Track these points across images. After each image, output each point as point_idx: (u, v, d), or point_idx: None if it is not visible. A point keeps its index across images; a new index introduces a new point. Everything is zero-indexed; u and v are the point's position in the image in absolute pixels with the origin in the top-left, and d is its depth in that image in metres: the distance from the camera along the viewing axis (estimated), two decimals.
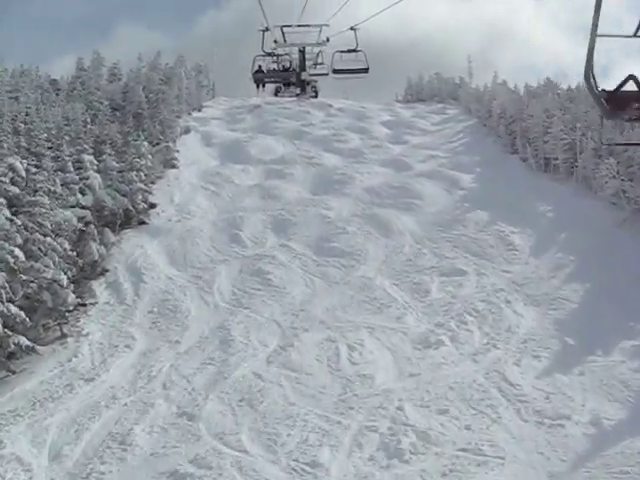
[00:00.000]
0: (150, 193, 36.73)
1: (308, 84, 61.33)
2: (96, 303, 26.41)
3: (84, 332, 24.78)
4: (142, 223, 34.38)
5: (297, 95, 60.67)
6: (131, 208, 34.03)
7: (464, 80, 60.75)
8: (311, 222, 34.46)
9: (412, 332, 23.14)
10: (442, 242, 31.72)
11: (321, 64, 58.83)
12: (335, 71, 57.74)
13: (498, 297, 26.33)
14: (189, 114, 52.36)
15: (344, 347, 22.06)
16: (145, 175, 37.60)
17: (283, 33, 59.89)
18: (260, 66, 55.36)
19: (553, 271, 28.56)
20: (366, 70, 56.70)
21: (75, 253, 28.23)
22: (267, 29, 59.33)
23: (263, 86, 56.96)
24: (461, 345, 22.21)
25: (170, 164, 41.77)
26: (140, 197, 35.09)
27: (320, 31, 60.48)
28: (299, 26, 60.26)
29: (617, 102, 6.34)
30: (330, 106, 54.94)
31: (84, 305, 25.90)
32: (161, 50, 60.38)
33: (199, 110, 53.93)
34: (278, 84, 65.99)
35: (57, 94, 51.41)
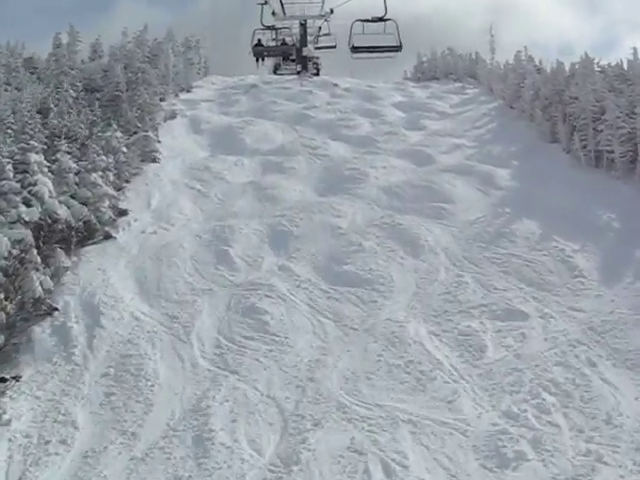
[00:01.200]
0: (119, 199, 28.45)
1: (309, 60, 53.12)
2: (19, 378, 18.17)
3: (4, 417, 16.70)
4: (108, 237, 26.15)
5: (298, 73, 52.45)
6: (94, 219, 25.81)
7: (480, 56, 52.05)
8: (318, 234, 26.23)
9: (473, 431, 14.95)
10: (487, 265, 23.53)
11: (327, 35, 50.55)
12: (355, 49, 49.61)
13: (577, 356, 18.19)
14: (176, 96, 43.81)
15: (377, 467, 13.94)
16: (115, 175, 29.40)
17: (282, 4, 51.15)
18: (260, 40, 46.98)
19: (636, 309, 20.50)
20: (398, 48, 48.64)
21: (12, 287, 20.35)
22: (266, 2, 50.76)
23: (262, 60, 48.65)
24: (550, 457, 14.09)
25: (150, 157, 33.45)
26: (106, 204, 26.83)
27: (323, 1, 52.03)
28: None
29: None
30: (335, 85, 46.36)
31: (3, 380, 17.68)
32: (158, 25, 52.13)
33: (188, 91, 45.36)
34: (277, 61, 58.21)
35: (32, 73, 43.10)
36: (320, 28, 56.41)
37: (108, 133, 31.31)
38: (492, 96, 44.61)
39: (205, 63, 52.65)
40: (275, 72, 59.63)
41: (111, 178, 27.97)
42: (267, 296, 22.06)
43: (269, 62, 59.21)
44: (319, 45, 49.35)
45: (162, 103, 41.36)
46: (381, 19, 45.90)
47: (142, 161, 33.19)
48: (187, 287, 23.21)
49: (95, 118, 30.31)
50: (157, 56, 46.63)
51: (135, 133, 34.49)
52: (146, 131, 34.13)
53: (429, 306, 21.26)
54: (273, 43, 52.59)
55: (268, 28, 52.30)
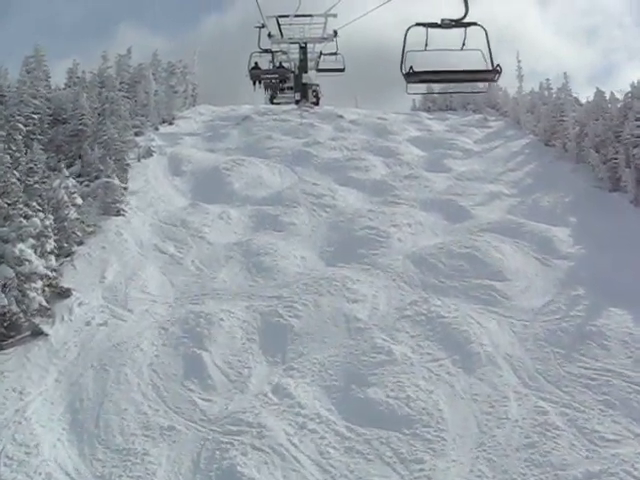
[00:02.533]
0: (59, 276, 20.11)
1: (309, 88, 45.01)
2: None
3: None
4: (37, 334, 17.84)
5: (297, 102, 44.25)
6: (16, 309, 17.51)
7: (495, 85, 43.92)
8: (327, 329, 17.97)
9: None
10: (577, 389, 15.21)
11: (334, 54, 42.34)
12: (416, 75, 41.66)
13: None
14: (156, 129, 35.55)
15: None
16: (59, 239, 21.13)
17: (279, 26, 43.07)
18: (257, 63, 39.26)
19: None
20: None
21: None
22: (264, 25, 42.90)
23: (259, 83, 40.42)
24: None
25: (113, 210, 25.17)
26: (38, 285, 18.52)
27: (325, 23, 43.94)
28: (298, 16, 43.68)
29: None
30: (340, 117, 38.24)
31: None
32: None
33: (170, 123, 37.11)
34: (273, 90, 50.13)
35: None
36: (321, 53, 48.37)
37: (57, 181, 23.08)
38: (520, 130, 36.50)
39: (193, 91, 44.48)
40: (271, 101, 51.57)
41: (48, 246, 19.63)
42: (255, 448, 13.72)
43: (264, 92, 51.25)
44: (324, 67, 41.04)
45: (138, 138, 33.12)
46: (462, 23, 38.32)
47: (103, 214, 24.96)
48: (139, 422, 14.87)
49: (33, 165, 22.04)
50: (139, 83, 38.55)
51: (97, 178, 26.25)
52: (109, 176, 25.82)
53: (505, 472, 12.96)
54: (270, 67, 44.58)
55: (265, 51, 44.27)
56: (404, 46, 11.06)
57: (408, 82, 11.22)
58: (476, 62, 11.07)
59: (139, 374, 16.54)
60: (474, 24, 11.34)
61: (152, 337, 17.96)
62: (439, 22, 11.15)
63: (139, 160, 30.82)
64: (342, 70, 39.45)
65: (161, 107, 37.09)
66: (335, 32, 41.33)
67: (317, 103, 46.59)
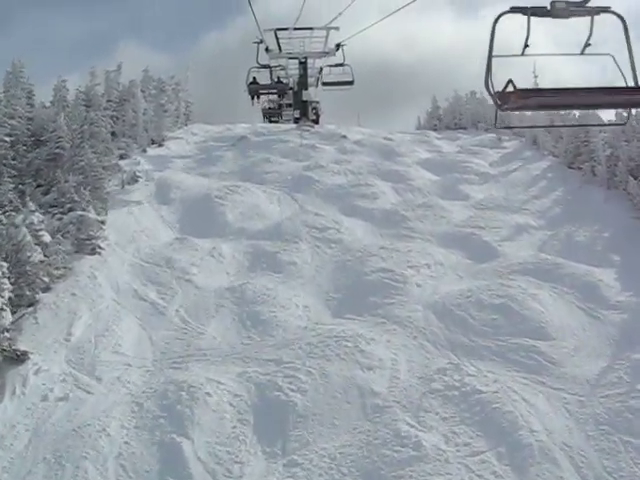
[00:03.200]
0: (12, 337, 16.30)
1: (309, 105, 41.52)
2: None
3: None
4: None
5: (296, 120, 40.78)
6: None
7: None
8: (338, 407, 14.20)
9: None
10: None
11: (341, 65, 38.97)
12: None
13: None
14: (143, 151, 31.84)
15: None
16: (17, 287, 17.37)
17: (277, 39, 39.48)
18: (255, 78, 37.09)
19: None
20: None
21: None
22: (262, 41, 39.45)
23: (258, 98, 38.89)
24: None
25: (87, 248, 21.44)
26: None
27: (327, 36, 40.35)
28: (297, 29, 40.12)
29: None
30: (344, 137, 34.56)
31: None
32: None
33: (160, 144, 33.41)
34: (272, 105, 46.67)
35: None
36: (322, 68, 44.85)
37: (19, 217, 19.39)
38: (538, 151, 32.82)
39: (187, 109, 40.84)
40: (269, 119, 48.10)
41: (0, 300, 15.87)
42: None
43: (263, 120, 47.83)
44: (330, 81, 37.52)
45: (123, 162, 29.43)
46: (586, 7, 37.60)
47: (76, 252, 21.23)
48: None
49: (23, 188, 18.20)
50: (127, 101, 34.89)
51: (71, 210, 22.53)
52: (84, 208, 22.09)
53: None
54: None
55: (264, 67, 40.92)
56: (491, 48, 6.81)
57: (503, 108, 6.89)
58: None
59: (103, 470, 12.78)
60: (605, 10, 6.97)
61: (122, 416, 14.19)
62: (548, 7, 7.02)
63: (123, 187, 27.10)
64: (351, 83, 36.62)
65: (150, 127, 33.38)
66: (337, 46, 37.86)
67: (317, 121, 43.07)
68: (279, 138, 34.25)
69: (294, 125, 38.79)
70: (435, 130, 41.55)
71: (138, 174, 28.15)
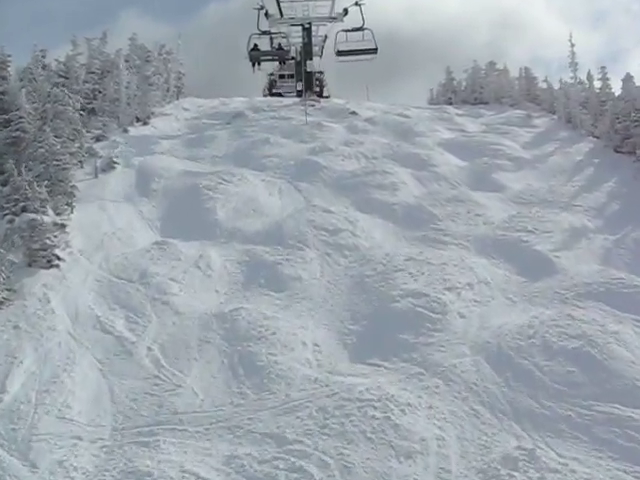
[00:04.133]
0: None
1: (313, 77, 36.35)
2: None
3: None
4: None
5: (299, 93, 35.71)
6: None
7: (530, 72, 34.82)
8: None
9: None
10: None
11: (360, 30, 33.75)
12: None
13: None
14: (124, 131, 26.74)
15: None
16: None
17: (278, 2, 34.16)
18: (256, 45, 32.98)
19: None
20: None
21: None
22: (262, 7, 34.16)
23: (259, 64, 34.68)
24: None
25: (42, 261, 16.55)
26: None
27: (333, 1, 34.60)
28: None
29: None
30: (354, 114, 29.44)
31: None
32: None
33: (145, 122, 28.23)
34: (272, 77, 41.55)
35: None
36: (326, 37, 39.39)
37: None
38: (574, 131, 27.69)
39: (179, 81, 35.58)
40: (270, 92, 42.83)
41: None
42: None
43: (264, 78, 42.71)
44: (348, 49, 32.14)
45: (98, 145, 24.39)
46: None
47: (29, 266, 16.37)
48: None
49: None
50: (110, 73, 29.70)
51: (25, 210, 17.57)
52: (36, 209, 17.13)
53: None
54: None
55: (264, 33, 35.76)
56: None
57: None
58: None
59: None
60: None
61: None
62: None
63: (96, 176, 22.14)
64: (374, 51, 31.63)
65: (134, 103, 28.22)
66: (345, 11, 32.53)
67: (321, 94, 37.92)
68: (280, 115, 29.14)
69: (297, 99, 33.67)
70: (450, 104, 36.40)
71: (115, 160, 23.13)
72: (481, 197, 20.80)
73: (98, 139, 24.98)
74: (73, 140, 21.60)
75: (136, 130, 27.10)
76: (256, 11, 35.12)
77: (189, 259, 17.45)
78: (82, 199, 20.24)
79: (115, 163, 22.93)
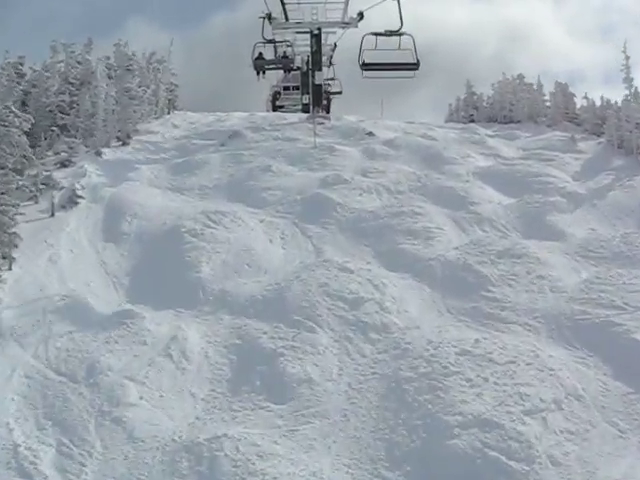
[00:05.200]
0: None
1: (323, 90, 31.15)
2: None
3: None
4: None
5: (305, 107, 30.72)
6: None
7: (565, 90, 29.50)
8: None
9: None
10: None
11: (398, 34, 27.02)
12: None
13: None
14: (98, 154, 21.55)
15: None
16: None
17: (284, 5, 28.69)
18: (261, 53, 28.87)
19: None
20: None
21: None
22: (268, 15, 29.05)
23: (263, 73, 30.73)
24: None
25: None
26: None
27: (347, 3, 29.10)
28: None
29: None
30: (370, 135, 24.25)
31: None
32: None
33: (124, 143, 23.05)
34: (277, 89, 36.51)
35: None
36: (335, 46, 34.26)
37: None
38: (630, 158, 22.42)
39: (171, 93, 30.39)
40: (273, 104, 37.71)
41: None
42: None
43: (267, 90, 37.91)
44: (382, 62, 25.86)
45: (61, 173, 19.24)
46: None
47: None
48: None
49: None
50: (89, 84, 24.53)
51: None
52: None
53: None
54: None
55: (269, 42, 30.98)
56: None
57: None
58: None
59: None
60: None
61: None
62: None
63: (52, 214, 16.95)
64: (415, 67, 24.71)
65: (111, 119, 23.00)
66: (361, 15, 27.27)
67: (328, 109, 32.90)
68: (284, 135, 23.89)
69: (303, 115, 28.51)
70: (472, 122, 31.28)
71: (79, 192, 17.92)
72: (539, 249, 15.55)
73: (63, 164, 19.79)
74: (21, 170, 16.37)
75: (112, 153, 21.86)
76: (261, 20, 30.65)
77: (158, 342, 12.27)
78: (28, 248, 15.10)
79: (79, 197, 17.74)
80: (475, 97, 33.98)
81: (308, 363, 11.53)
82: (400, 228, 16.45)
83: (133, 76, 23.87)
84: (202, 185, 19.67)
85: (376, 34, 24.27)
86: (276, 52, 32.82)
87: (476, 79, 33.70)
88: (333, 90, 34.56)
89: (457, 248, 15.57)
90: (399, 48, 24.10)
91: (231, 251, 15.45)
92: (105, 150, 21.64)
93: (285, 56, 31.24)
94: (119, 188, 18.87)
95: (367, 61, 24.30)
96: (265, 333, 12.42)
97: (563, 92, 28.82)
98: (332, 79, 34.27)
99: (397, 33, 24.56)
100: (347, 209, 17.61)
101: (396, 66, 24.52)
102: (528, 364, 11.17)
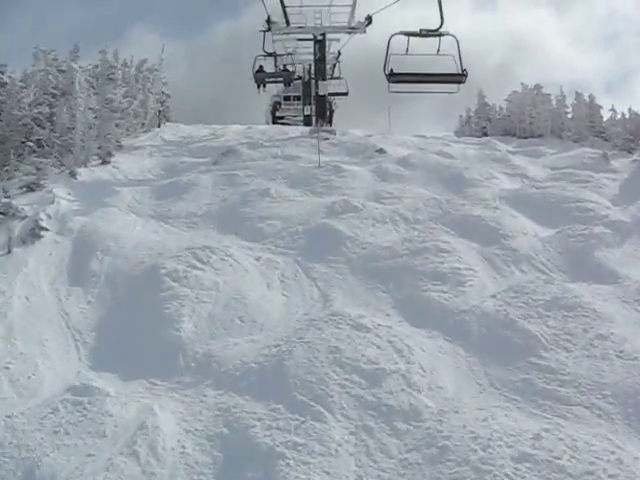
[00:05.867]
0: None
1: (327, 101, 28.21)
2: None
3: None
4: None
5: (307, 118, 28.01)
6: None
7: (592, 102, 26.48)
8: None
9: None
10: None
11: (438, 34, 19.95)
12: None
13: None
14: (72, 175, 18.48)
15: None
16: None
17: (284, 8, 25.31)
18: (261, 66, 28.65)
19: None
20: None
21: None
22: (268, 29, 26.17)
23: (264, 86, 30.09)
24: None
25: None
26: None
27: (354, 5, 25.88)
28: None
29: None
30: (381, 152, 21.22)
31: None
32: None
33: (104, 161, 19.97)
34: (277, 99, 33.73)
35: None
36: (339, 54, 31.40)
37: None
38: None
39: (163, 104, 27.41)
40: (273, 115, 34.97)
41: None
42: None
43: (267, 100, 35.69)
44: (417, 72, 20.83)
45: (26, 199, 16.20)
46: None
47: None
48: None
49: None
50: (70, 95, 21.53)
51: None
52: None
53: None
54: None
55: (270, 55, 28.65)
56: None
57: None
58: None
59: None
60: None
61: None
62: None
63: (9, 251, 13.91)
64: (460, 79, 19.45)
65: (89, 134, 19.95)
66: (369, 19, 24.29)
67: (331, 120, 30.10)
68: (285, 152, 20.88)
69: (305, 128, 25.56)
70: (486, 135, 28.51)
71: (43, 224, 14.88)
72: (593, 297, 12.52)
73: (30, 188, 16.75)
74: None
75: (89, 173, 18.83)
76: (261, 33, 28.19)
77: (121, 433, 9.21)
78: None
79: (43, 229, 14.71)
80: (487, 108, 31.22)
81: (316, 470, 8.48)
82: (423, 269, 13.41)
83: (115, 86, 20.79)
84: (190, 212, 16.66)
85: (408, 34, 18.68)
86: (276, 64, 30.81)
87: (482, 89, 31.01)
88: (338, 91, 31.66)
89: (494, 296, 12.51)
90: (438, 53, 18.77)
91: (220, 300, 12.41)
92: (81, 170, 18.61)
93: (286, 69, 29.18)
94: (92, 216, 15.83)
95: (396, 70, 18.87)
96: (260, 420, 9.37)
97: (588, 104, 25.84)
98: (337, 78, 31.47)
99: (436, 33, 19.15)
100: (359, 244, 14.58)
101: (437, 78, 19.10)
102: (611, 476, 8.12)
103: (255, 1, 23.68)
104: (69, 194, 16.90)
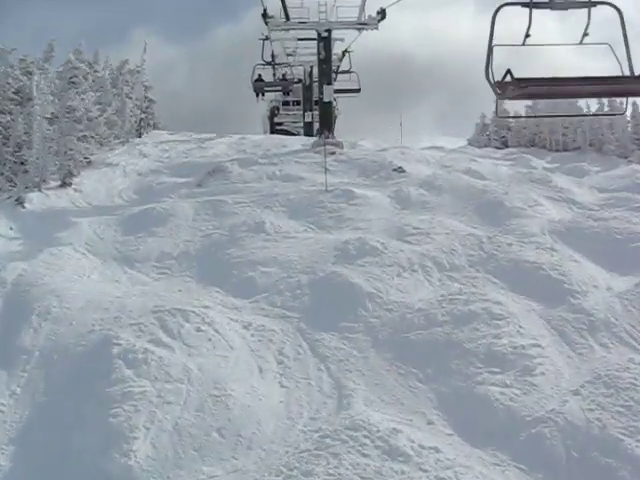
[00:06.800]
0: None
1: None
2: None
3: None
4: None
5: (307, 126, 24.13)
6: None
7: (635, 112, 22.50)
8: None
9: None
10: None
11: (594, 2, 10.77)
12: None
13: None
14: (19, 202, 14.56)
15: None
16: None
17: (284, 3, 21.28)
18: (260, 75, 26.08)
19: None
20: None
21: None
22: (267, 37, 23.31)
23: (262, 95, 27.31)
24: None
25: None
26: None
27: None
28: None
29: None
30: (399, 171, 17.29)
31: None
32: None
33: (63, 183, 16.03)
34: (275, 104, 29.75)
35: None
36: (345, 54, 27.31)
37: None
38: None
39: (145, 111, 23.44)
40: (271, 122, 31.22)
41: None
42: None
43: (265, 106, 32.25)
44: (540, 77, 13.77)
45: None
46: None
47: None
48: None
49: None
50: (30, 101, 17.53)
51: None
52: None
53: None
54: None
55: (269, 64, 24.97)
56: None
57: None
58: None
59: None
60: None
61: None
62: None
63: None
64: (637, 82, 12.57)
65: (45, 151, 15.97)
66: (382, 12, 20.30)
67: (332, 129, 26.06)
68: (283, 171, 16.91)
69: (307, 139, 21.63)
70: (507, 146, 24.79)
71: None
72: None
73: None
74: None
75: (42, 199, 14.84)
76: (260, 42, 24.84)
77: None
78: None
79: None
80: (508, 118, 27.27)
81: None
82: (472, 345, 9.51)
83: (80, 91, 16.78)
84: (162, 252, 12.73)
85: (527, 4, 7.88)
86: (275, 72, 27.55)
87: (483, 93, 27.45)
88: (348, 87, 27.22)
89: (578, 393, 8.62)
90: (582, 39, 9.62)
91: (191, 401, 8.49)
92: (32, 196, 14.65)
93: (284, 78, 27.27)
94: (35, 261, 11.89)
95: (517, 76, 9.15)
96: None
97: (634, 114, 21.96)
98: (347, 72, 27.11)
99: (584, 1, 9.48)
100: (382, 303, 10.68)
101: (602, 88, 8.96)
102: None
103: (256, 5, 19.60)
104: (11, 229, 12.98)
